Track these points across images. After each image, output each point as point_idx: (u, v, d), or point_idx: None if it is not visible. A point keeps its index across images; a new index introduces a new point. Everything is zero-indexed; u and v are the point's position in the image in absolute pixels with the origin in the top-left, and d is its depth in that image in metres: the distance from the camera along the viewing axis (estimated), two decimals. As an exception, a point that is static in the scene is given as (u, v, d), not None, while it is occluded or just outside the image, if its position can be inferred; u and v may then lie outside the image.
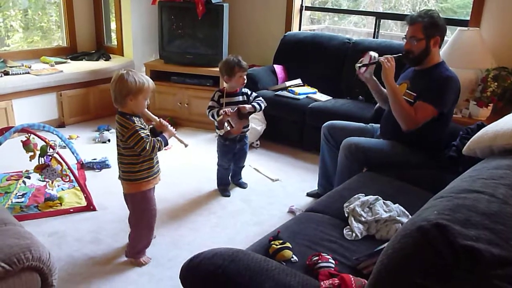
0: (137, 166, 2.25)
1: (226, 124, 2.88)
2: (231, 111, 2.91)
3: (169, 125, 2.35)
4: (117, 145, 2.28)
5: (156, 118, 2.36)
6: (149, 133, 2.24)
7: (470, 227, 1.00)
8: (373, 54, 2.69)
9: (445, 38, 2.65)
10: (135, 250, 2.41)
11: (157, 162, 2.37)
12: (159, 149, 2.24)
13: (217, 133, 3.07)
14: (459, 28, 3.49)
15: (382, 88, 2.88)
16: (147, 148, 2.16)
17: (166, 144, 2.28)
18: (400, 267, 1.03)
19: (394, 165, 2.58)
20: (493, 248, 0.95)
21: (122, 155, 2.27)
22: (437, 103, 2.50)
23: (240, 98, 3.05)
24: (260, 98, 3.08)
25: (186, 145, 2.46)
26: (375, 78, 2.81)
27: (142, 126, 2.21)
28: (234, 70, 2.94)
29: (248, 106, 2.96)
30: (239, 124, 2.97)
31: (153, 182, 2.35)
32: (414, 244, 1.01)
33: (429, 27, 2.52)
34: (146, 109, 2.28)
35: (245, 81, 3.01)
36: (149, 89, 2.20)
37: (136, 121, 2.19)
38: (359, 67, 2.71)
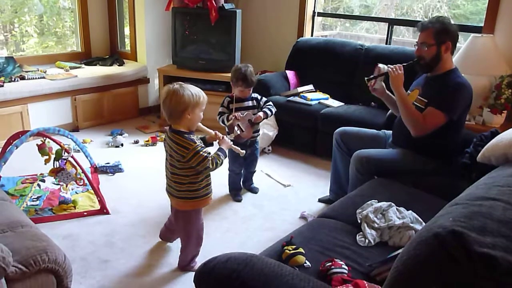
0: (196, 185, 2.22)
1: (236, 128, 2.90)
2: (241, 115, 2.93)
3: (225, 136, 2.31)
4: (171, 164, 2.21)
5: (211, 131, 2.32)
6: (209, 150, 2.17)
7: (486, 234, 1.00)
8: (382, 66, 2.70)
9: (459, 44, 2.65)
10: (185, 263, 2.41)
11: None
12: (221, 164, 2.19)
13: (229, 138, 3.08)
14: (472, 34, 3.47)
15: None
16: (211, 167, 2.13)
17: (226, 156, 2.24)
18: (415, 274, 1.03)
19: (407, 174, 2.57)
20: (510, 255, 0.95)
21: (177, 175, 2.20)
22: (447, 109, 2.48)
23: (250, 103, 3.06)
24: (270, 103, 3.09)
25: (243, 154, 2.43)
26: (388, 92, 2.83)
27: (202, 145, 2.16)
28: (237, 84, 2.97)
29: (261, 114, 2.98)
30: (249, 128, 2.99)
31: (211, 198, 2.33)
32: (430, 251, 1.01)
33: (440, 32, 2.53)
34: (200, 124, 2.24)
35: (249, 95, 3.04)
36: (205, 101, 2.16)
37: (196, 140, 2.14)
38: (368, 80, 2.72)
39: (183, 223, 2.35)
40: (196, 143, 2.12)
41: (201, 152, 2.10)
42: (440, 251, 0.99)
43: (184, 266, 2.42)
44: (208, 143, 2.32)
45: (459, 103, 2.51)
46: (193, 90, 2.10)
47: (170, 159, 2.21)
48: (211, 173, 2.27)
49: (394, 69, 2.59)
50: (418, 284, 1.02)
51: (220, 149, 2.25)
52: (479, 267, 0.94)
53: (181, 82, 2.16)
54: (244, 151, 2.40)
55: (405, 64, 2.64)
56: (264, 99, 3.13)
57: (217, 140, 2.32)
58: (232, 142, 2.33)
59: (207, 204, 2.33)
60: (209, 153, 2.15)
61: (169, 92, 2.09)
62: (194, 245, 2.40)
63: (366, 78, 2.74)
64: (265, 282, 1.33)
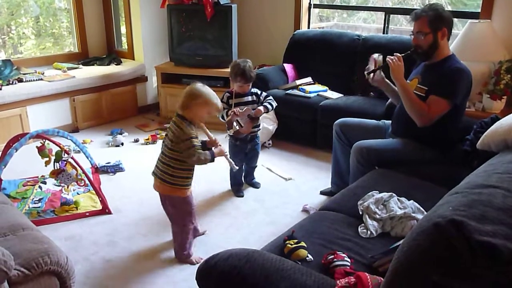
0: (176, 171, 2.30)
1: (235, 123, 2.90)
2: (240, 110, 2.92)
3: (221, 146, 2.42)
4: (165, 145, 2.32)
5: (212, 136, 2.42)
6: (201, 146, 2.30)
7: (486, 222, 0.99)
8: (376, 56, 2.73)
9: (456, 31, 2.63)
10: (179, 253, 2.45)
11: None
12: (204, 163, 2.29)
13: (227, 133, 3.08)
14: (470, 20, 3.45)
15: (395, 88, 2.87)
16: (194, 159, 2.24)
17: (212, 160, 2.32)
18: (416, 265, 1.02)
19: (407, 163, 2.56)
20: (510, 243, 0.94)
21: (166, 156, 2.31)
22: (449, 96, 2.47)
23: (250, 98, 3.05)
24: (271, 98, 3.08)
25: (235, 168, 2.55)
26: (388, 81, 2.82)
27: (197, 138, 2.29)
28: (236, 79, 2.96)
29: (261, 108, 2.97)
30: (248, 123, 2.98)
31: (188, 191, 2.41)
32: (430, 241, 1.00)
33: (434, 20, 2.51)
34: (204, 125, 2.35)
35: (248, 90, 3.03)
36: (215, 107, 2.33)
37: (193, 129, 2.27)
38: (368, 73, 2.73)
39: (170, 207, 2.42)
40: (192, 130, 2.26)
41: (193, 141, 2.23)
42: (440, 240, 0.99)
43: (179, 256, 2.45)
44: (206, 147, 2.39)
45: (460, 88, 2.50)
46: (211, 92, 2.31)
47: (165, 140, 2.33)
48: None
49: (394, 60, 2.57)
50: (419, 274, 1.01)
51: (211, 152, 2.34)
52: (480, 255, 0.93)
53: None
54: (237, 167, 2.52)
55: (402, 54, 2.62)
56: (264, 93, 3.12)
57: (215, 146, 2.40)
58: (227, 153, 2.46)
59: (182, 195, 2.37)
60: (200, 148, 2.27)
61: (192, 85, 2.32)
62: (180, 230, 2.43)
63: (366, 73, 2.72)
64: (266, 277, 1.33)
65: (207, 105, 2.29)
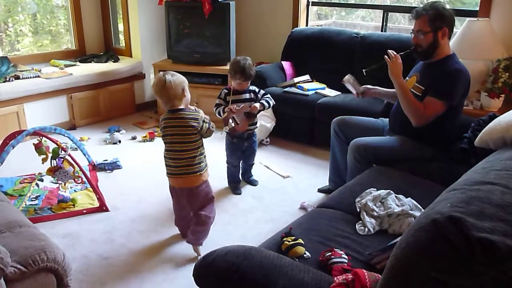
0: (202, 156, 2.43)
1: (230, 120, 2.89)
2: (237, 108, 2.91)
3: None
4: (183, 142, 2.35)
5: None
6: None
7: (485, 219, 0.99)
8: (347, 78, 2.90)
9: (454, 29, 2.62)
10: (204, 238, 2.52)
11: None
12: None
13: (223, 130, 3.08)
14: (468, 19, 3.44)
15: (389, 90, 2.88)
16: (213, 131, 2.42)
17: None
18: (414, 261, 1.02)
19: (405, 161, 2.55)
20: (509, 239, 0.94)
21: (191, 150, 2.36)
22: (446, 97, 2.46)
23: (247, 95, 3.05)
24: (268, 96, 3.07)
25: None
26: (380, 89, 2.89)
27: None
28: (236, 76, 2.96)
29: (257, 105, 2.96)
30: (244, 121, 2.98)
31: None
32: (428, 237, 1.00)
33: (435, 19, 2.49)
34: None
35: (247, 87, 3.03)
36: None
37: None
38: (366, 71, 2.75)
39: (204, 195, 2.47)
40: (201, 113, 2.40)
41: (207, 120, 2.39)
42: (438, 237, 0.98)
43: (199, 243, 2.50)
44: None
45: (457, 90, 2.49)
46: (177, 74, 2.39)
47: (181, 137, 2.34)
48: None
49: (393, 58, 2.56)
50: (417, 271, 1.01)
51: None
52: (478, 252, 0.93)
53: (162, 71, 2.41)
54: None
55: (402, 53, 2.61)
56: (262, 91, 3.12)
57: None
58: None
59: (206, 178, 2.48)
60: None
61: (164, 78, 2.30)
62: (210, 217, 2.51)
63: (364, 70, 2.72)
64: (264, 274, 1.32)
65: (186, 85, 2.38)
